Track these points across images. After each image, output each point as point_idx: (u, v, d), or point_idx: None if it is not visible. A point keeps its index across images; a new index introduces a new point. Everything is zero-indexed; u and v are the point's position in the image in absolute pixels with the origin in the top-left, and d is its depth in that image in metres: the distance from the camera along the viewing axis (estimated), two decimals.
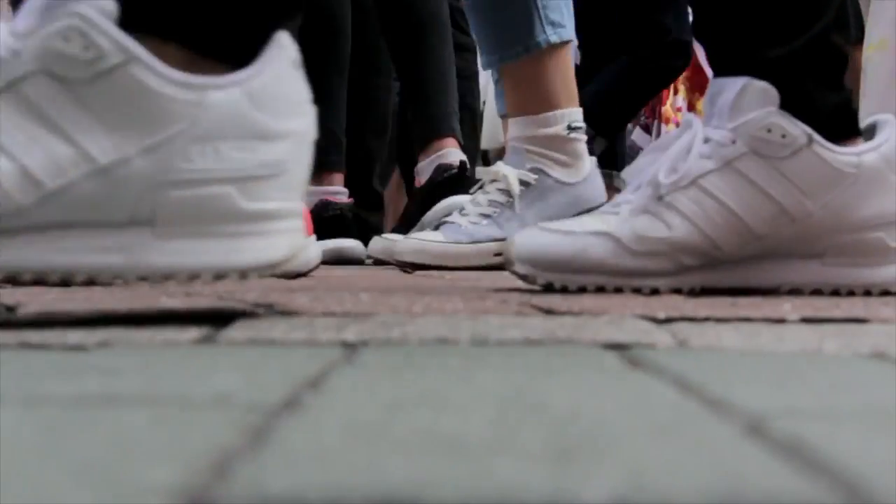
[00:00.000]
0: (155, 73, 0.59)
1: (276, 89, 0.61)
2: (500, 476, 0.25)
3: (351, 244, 2.02)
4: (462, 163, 2.04)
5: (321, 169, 2.12)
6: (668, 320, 0.62)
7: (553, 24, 1.59)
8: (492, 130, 3.62)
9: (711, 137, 0.86)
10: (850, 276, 0.87)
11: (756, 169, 0.85)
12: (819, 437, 0.29)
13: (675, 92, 4.10)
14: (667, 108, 4.10)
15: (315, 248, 1.36)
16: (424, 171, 2.05)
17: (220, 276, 0.60)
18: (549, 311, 0.67)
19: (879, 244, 0.86)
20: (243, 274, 0.60)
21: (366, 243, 1.89)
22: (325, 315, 0.64)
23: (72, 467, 0.25)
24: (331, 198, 2.07)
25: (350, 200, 2.12)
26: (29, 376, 0.42)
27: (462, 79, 2.34)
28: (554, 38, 1.58)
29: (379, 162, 2.44)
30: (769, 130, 0.84)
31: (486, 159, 4.31)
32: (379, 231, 2.07)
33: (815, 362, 0.48)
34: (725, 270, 0.87)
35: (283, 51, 0.62)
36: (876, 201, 0.86)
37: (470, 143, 2.41)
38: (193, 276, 0.59)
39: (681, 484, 0.24)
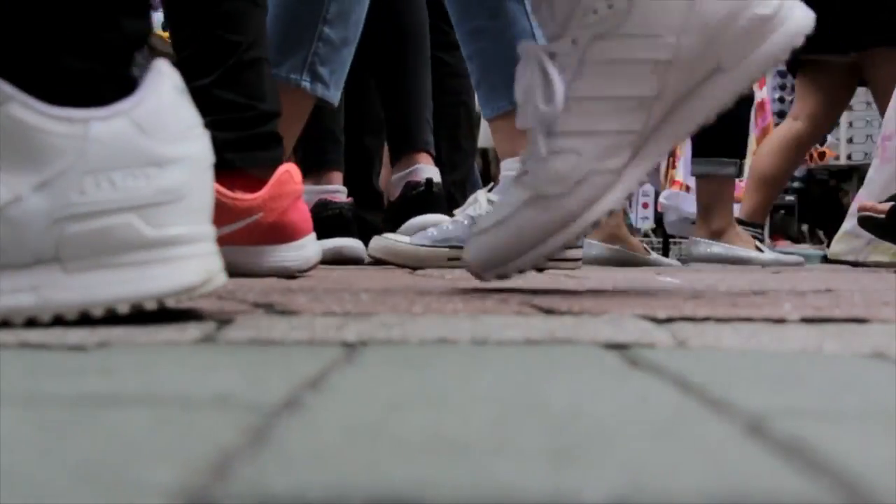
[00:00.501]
0: (33, 110, 0.59)
1: (163, 115, 0.61)
2: (500, 476, 0.25)
3: (351, 244, 2.02)
4: (428, 180, 2.08)
5: (320, 168, 2.13)
6: (668, 320, 0.62)
7: (315, 75, 1.60)
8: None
9: (555, 51, 0.85)
10: (754, 63, 0.85)
11: (606, 49, 0.84)
12: (819, 437, 0.29)
13: None
14: None
15: (315, 247, 1.36)
16: (396, 185, 2.11)
17: (136, 306, 0.60)
18: (549, 311, 0.67)
19: (755, 21, 0.84)
20: (160, 302, 0.60)
21: (366, 243, 1.90)
22: (325, 315, 0.64)
23: (72, 467, 0.25)
24: (330, 197, 2.07)
25: (349, 200, 2.12)
26: (29, 376, 0.42)
27: (459, 77, 2.35)
28: (305, 85, 1.59)
29: (378, 161, 2.44)
30: (595, 11, 0.83)
31: (486, 158, 4.31)
32: (379, 230, 2.08)
33: (815, 362, 0.48)
34: (655, 139, 0.85)
35: (165, 77, 0.62)
36: None
37: (468, 141, 2.41)
38: (110, 309, 0.59)
39: (681, 484, 0.24)
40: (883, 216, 1.98)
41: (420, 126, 2.20)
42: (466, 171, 2.43)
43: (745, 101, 2.56)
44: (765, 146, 2.81)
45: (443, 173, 2.33)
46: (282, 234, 1.32)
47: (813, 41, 2.74)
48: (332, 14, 1.61)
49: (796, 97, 2.80)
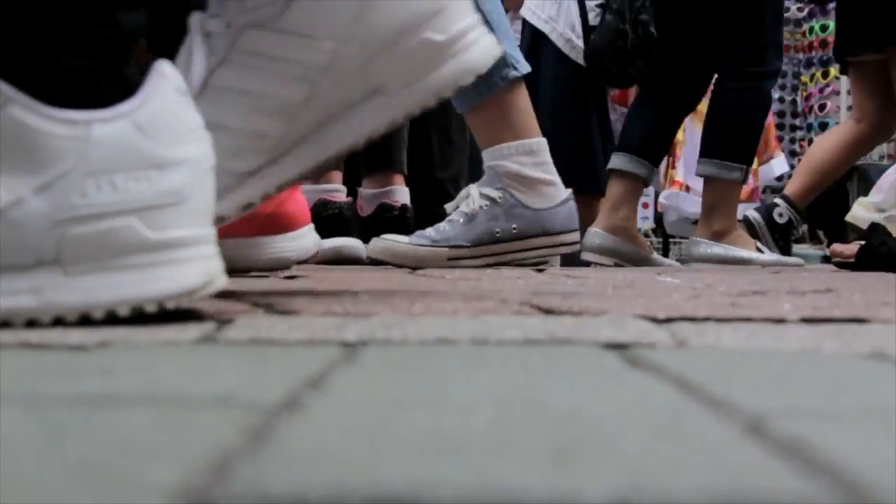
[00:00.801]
0: (35, 112, 0.59)
1: (164, 118, 0.61)
2: (500, 476, 0.25)
3: (350, 243, 2.02)
4: (403, 206, 2.10)
5: None
6: (668, 320, 0.62)
7: None
8: None
9: (210, 30, 0.78)
10: (416, 93, 0.77)
11: (259, 40, 0.76)
12: (819, 437, 0.29)
13: None
14: None
15: (313, 237, 1.36)
16: (369, 201, 2.12)
17: (137, 308, 0.60)
18: (549, 311, 0.67)
19: (424, 46, 0.77)
20: (161, 304, 0.60)
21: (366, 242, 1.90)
22: (325, 315, 0.64)
23: (72, 467, 0.25)
24: (329, 196, 2.07)
25: (348, 199, 2.12)
26: (29, 376, 0.42)
27: None
28: None
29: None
30: None
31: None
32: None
33: (815, 362, 0.48)
34: (298, 152, 0.77)
35: (166, 79, 0.62)
36: (397, 4, 0.76)
37: (459, 136, 2.42)
38: (110, 312, 0.59)
39: (681, 484, 0.24)
40: (852, 260, 2.04)
41: (398, 145, 2.24)
42: (460, 166, 2.44)
43: (762, 109, 2.55)
44: (826, 138, 2.79)
45: (434, 168, 2.34)
46: (279, 224, 1.31)
47: (844, 41, 2.71)
48: None
49: (853, 101, 2.79)
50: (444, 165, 2.38)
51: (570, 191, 1.72)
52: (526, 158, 1.68)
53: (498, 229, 1.67)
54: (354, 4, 0.76)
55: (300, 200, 1.35)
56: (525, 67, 1.70)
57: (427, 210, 2.12)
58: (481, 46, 0.78)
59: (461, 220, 1.71)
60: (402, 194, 2.18)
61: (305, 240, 1.34)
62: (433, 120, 2.29)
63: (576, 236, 1.72)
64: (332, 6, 0.76)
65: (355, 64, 0.76)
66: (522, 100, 1.70)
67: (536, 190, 1.68)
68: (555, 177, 1.70)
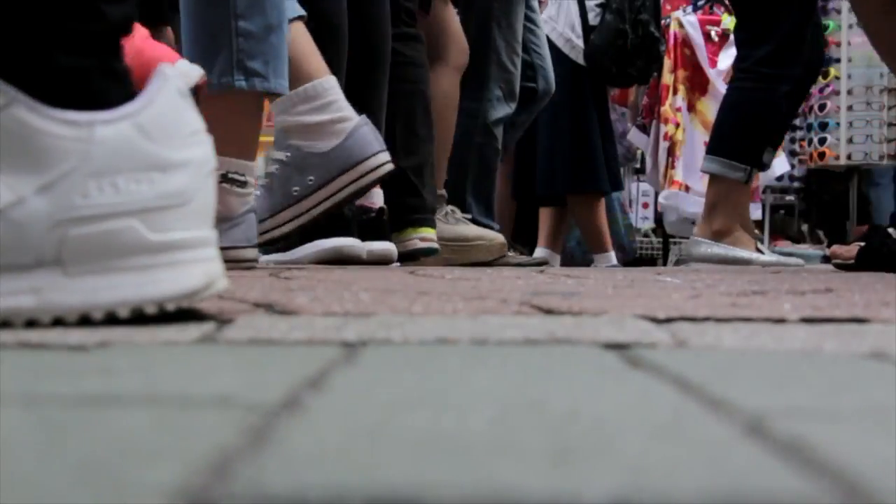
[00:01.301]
0: (38, 112, 0.59)
1: (167, 120, 0.61)
2: (500, 476, 0.25)
3: (350, 243, 2.02)
4: (381, 209, 2.12)
5: None
6: (668, 320, 0.62)
7: (247, 71, 1.55)
8: None
9: None
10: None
11: None
12: (819, 436, 0.29)
13: (675, 92, 4.09)
14: (666, 109, 4.10)
15: (191, 66, 1.37)
16: None
17: (137, 310, 0.60)
18: (549, 311, 0.67)
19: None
20: (161, 306, 0.60)
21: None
22: (325, 315, 0.64)
23: (72, 467, 0.25)
24: None
25: None
26: (29, 376, 0.42)
27: (417, 66, 2.37)
28: (240, 84, 1.54)
29: None
30: None
31: None
32: None
33: (815, 362, 0.48)
34: None
35: (169, 82, 0.62)
36: None
37: (424, 128, 2.43)
38: (110, 313, 0.59)
39: (681, 484, 0.24)
40: (852, 261, 2.06)
41: None
42: (424, 157, 2.44)
43: (774, 112, 2.54)
44: None
45: (396, 157, 2.37)
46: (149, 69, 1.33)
47: None
48: (241, 8, 1.57)
49: None
50: (406, 154, 2.38)
51: (362, 117, 1.66)
52: (304, 106, 1.63)
53: (295, 187, 1.62)
54: None
55: (154, 45, 1.32)
56: (295, 10, 1.64)
57: (388, 200, 2.12)
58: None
59: (259, 192, 1.65)
60: (377, 196, 2.20)
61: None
62: (399, 110, 2.30)
63: (382, 156, 1.65)
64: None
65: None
66: (292, 48, 1.62)
67: (324, 132, 1.63)
68: (344, 111, 1.64)
